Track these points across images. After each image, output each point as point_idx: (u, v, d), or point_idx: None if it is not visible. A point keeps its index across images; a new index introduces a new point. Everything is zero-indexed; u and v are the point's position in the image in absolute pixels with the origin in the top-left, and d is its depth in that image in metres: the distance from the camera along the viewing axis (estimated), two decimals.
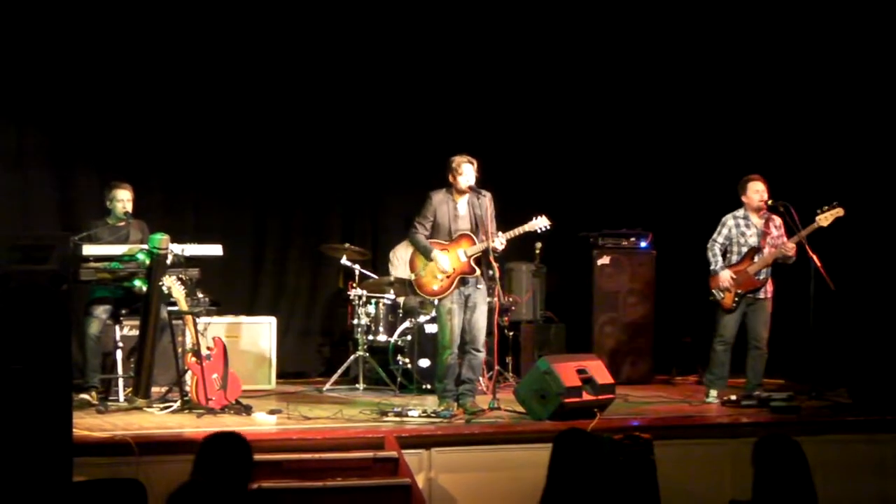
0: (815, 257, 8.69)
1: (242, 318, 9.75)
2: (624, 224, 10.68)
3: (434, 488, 7.04)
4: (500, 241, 8.03)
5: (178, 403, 7.91)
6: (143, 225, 8.66)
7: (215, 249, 8.43)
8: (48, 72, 9.60)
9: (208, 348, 8.02)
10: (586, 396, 7.79)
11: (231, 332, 9.38)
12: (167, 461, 6.33)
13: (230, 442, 4.86)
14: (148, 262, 8.02)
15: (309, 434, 7.18)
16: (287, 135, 10.52)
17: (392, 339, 9.55)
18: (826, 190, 9.32)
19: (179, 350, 8.19)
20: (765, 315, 8.83)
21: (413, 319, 9.56)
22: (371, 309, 9.70)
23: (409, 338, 9.44)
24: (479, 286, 8.09)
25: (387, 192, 10.91)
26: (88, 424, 7.15)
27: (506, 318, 9.61)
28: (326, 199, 10.77)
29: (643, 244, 10.63)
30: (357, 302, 9.66)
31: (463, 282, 8.03)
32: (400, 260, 10.05)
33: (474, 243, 8.04)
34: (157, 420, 7.65)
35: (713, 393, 8.88)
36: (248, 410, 7.88)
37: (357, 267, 9.81)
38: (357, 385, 9.60)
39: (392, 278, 9.97)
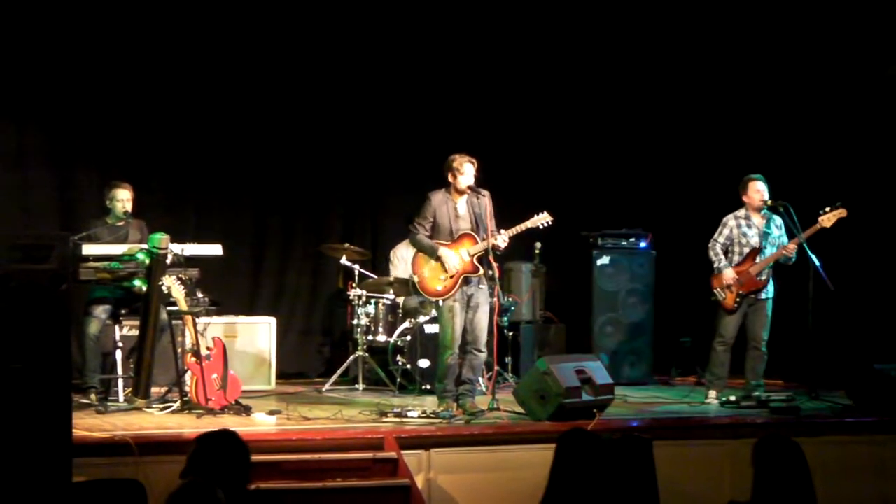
0: (814, 258, 8.69)
1: (242, 319, 9.75)
2: (624, 224, 10.68)
3: (433, 489, 7.04)
4: (502, 239, 8.02)
5: (178, 404, 7.91)
6: (142, 225, 8.66)
7: (215, 249, 8.43)
8: (48, 72, 9.60)
9: (208, 348, 8.02)
10: (585, 397, 7.79)
11: (231, 333, 9.37)
12: (167, 461, 6.31)
13: (223, 441, 4.83)
14: (148, 261, 8.02)
15: (308, 435, 7.17)
16: (287, 135, 10.52)
17: (392, 340, 9.55)
18: (826, 190, 9.34)
19: (179, 350, 8.19)
20: (765, 316, 8.83)
21: (413, 320, 9.56)
22: (371, 309, 9.70)
23: (408, 338, 9.44)
24: (481, 286, 8.08)
25: (387, 193, 10.91)
26: (88, 425, 7.15)
27: (505, 319, 9.62)
28: (326, 200, 10.77)
29: (643, 244, 10.63)
30: (357, 302, 9.66)
31: (466, 281, 8.02)
32: (400, 260, 10.05)
33: (476, 242, 8.03)
34: (157, 420, 7.65)
35: (712, 393, 8.89)
36: (247, 411, 7.88)
37: (357, 267, 9.81)
38: (356, 386, 9.60)
39: (392, 278, 9.97)
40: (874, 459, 7.89)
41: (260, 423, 7.64)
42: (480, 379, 8.68)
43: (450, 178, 8.07)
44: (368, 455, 6.94)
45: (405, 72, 10.78)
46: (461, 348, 8.05)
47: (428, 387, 9.07)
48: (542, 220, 8.19)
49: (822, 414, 8.41)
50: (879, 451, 7.94)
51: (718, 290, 8.85)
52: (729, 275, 8.80)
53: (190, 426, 7.31)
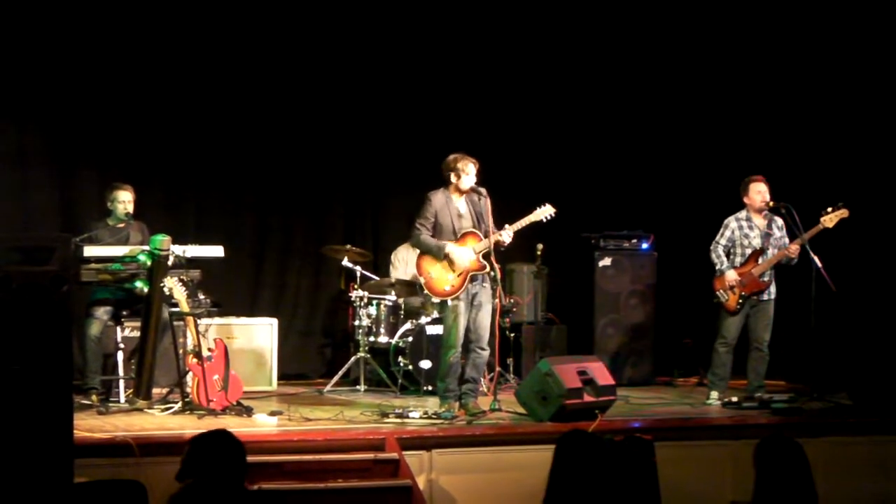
0: (816, 259, 8.69)
1: (243, 320, 9.75)
2: (625, 225, 10.67)
3: (435, 490, 7.04)
4: (507, 234, 8.00)
5: (179, 405, 7.91)
6: (143, 226, 8.66)
7: (216, 251, 8.43)
8: (49, 72, 9.60)
9: (209, 349, 8.02)
10: (587, 398, 7.78)
11: (232, 334, 9.37)
12: (168, 462, 6.27)
13: (217, 441, 4.78)
14: (149, 263, 8.01)
15: (310, 435, 7.17)
16: (288, 136, 10.52)
17: (393, 341, 9.54)
18: (826, 191, 9.34)
19: (181, 351, 8.17)
20: (767, 317, 8.83)
21: (414, 321, 9.56)
22: (372, 310, 9.69)
23: (410, 339, 9.43)
24: (484, 284, 8.07)
25: (388, 194, 10.90)
26: (89, 426, 7.15)
27: (507, 320, 9.61)
28: (327, 201, 10.77)
29: (644, 246, 10.62)
30: (358, 303, 9.66)
31: (471, 279, 8.00)
32: (401, 261, 10.05)
33: (480, 240, 8.02)
34: (158, 421, 7.64)
35: (714, 394, 8.87)
36: (248, 412, 7.88)
37: (358, 268, 9.81)
38: (358, 386, 9.60)
39: (393, 280, 9.96)
40: (876, 460, 7.89)
41: (261, 424, 7.64)
42: (482, 379, 8.67)
43: (452, 179, 8.05)
44: (370, 456, 6.94)
45: (405, 72, 10.78)
46: (464, 347, 8.04)
47: (430, 388, 9.07)
48: (546, 212, 8.17)
49: (824, 414, 8.40)
50: (881, 451, 7.93)
51: (721, 291, 8.84)
52: (731, 276, 8.79)
53: (191, 427, 7.28)
